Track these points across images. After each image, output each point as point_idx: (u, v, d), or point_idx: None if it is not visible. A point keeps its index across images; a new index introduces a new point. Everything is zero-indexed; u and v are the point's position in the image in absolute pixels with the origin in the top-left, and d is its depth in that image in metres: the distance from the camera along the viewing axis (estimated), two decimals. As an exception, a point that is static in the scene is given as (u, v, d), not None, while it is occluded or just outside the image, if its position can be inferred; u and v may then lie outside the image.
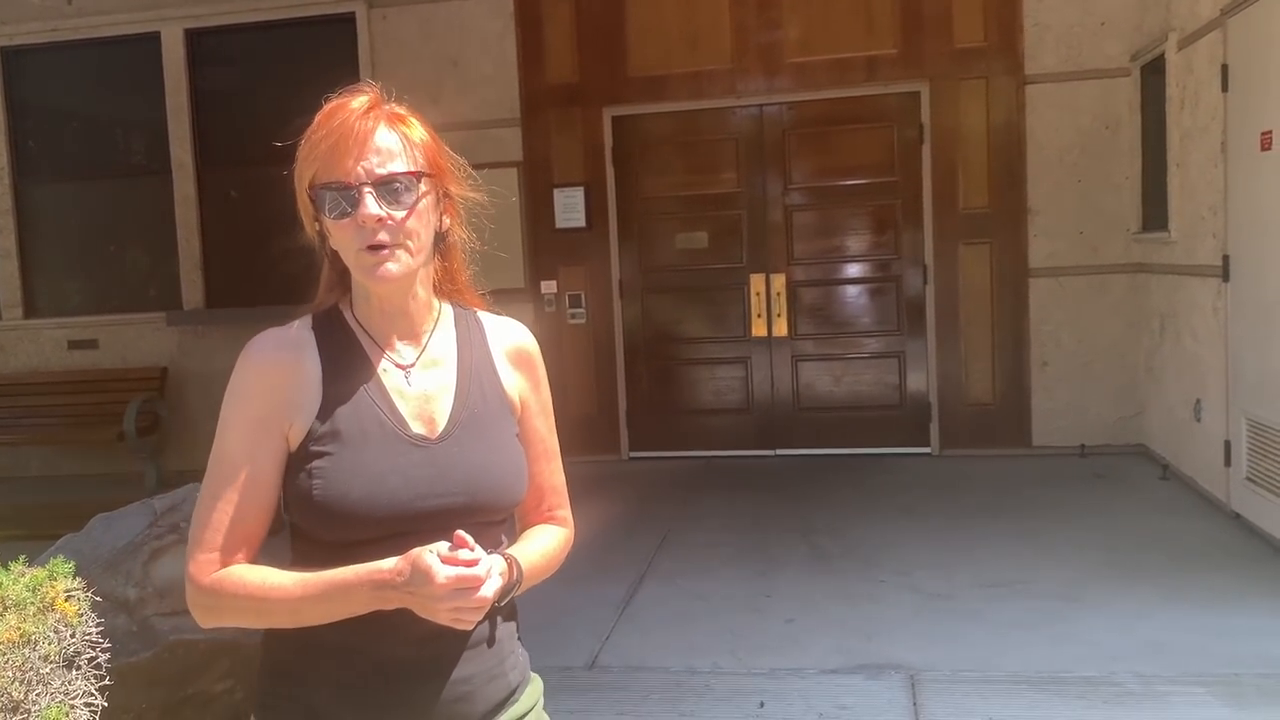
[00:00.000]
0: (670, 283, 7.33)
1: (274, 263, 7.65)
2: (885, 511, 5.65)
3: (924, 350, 6.95)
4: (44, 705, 2.34)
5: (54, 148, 7.89)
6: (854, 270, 7.15)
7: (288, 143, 1.41)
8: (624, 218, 7.27)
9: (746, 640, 3.97)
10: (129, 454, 7.13)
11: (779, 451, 7.20)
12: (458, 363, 1.44)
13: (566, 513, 1.58)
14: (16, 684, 2.28)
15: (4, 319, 7.84)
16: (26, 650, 2.32)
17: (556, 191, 7.24)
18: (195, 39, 7.53)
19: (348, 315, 1.43)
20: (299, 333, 1.42)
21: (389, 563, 1.26)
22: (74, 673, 2.45)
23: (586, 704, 3.51)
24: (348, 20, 7.27)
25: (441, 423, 1.40)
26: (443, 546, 1.25)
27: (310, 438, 1.34)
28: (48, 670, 2.38)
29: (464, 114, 7.20)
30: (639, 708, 3.46)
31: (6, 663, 2.27)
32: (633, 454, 7.33)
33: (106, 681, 2.51)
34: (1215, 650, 3.61)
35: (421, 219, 1.35)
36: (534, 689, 1.53)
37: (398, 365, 1.41)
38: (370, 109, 1.34)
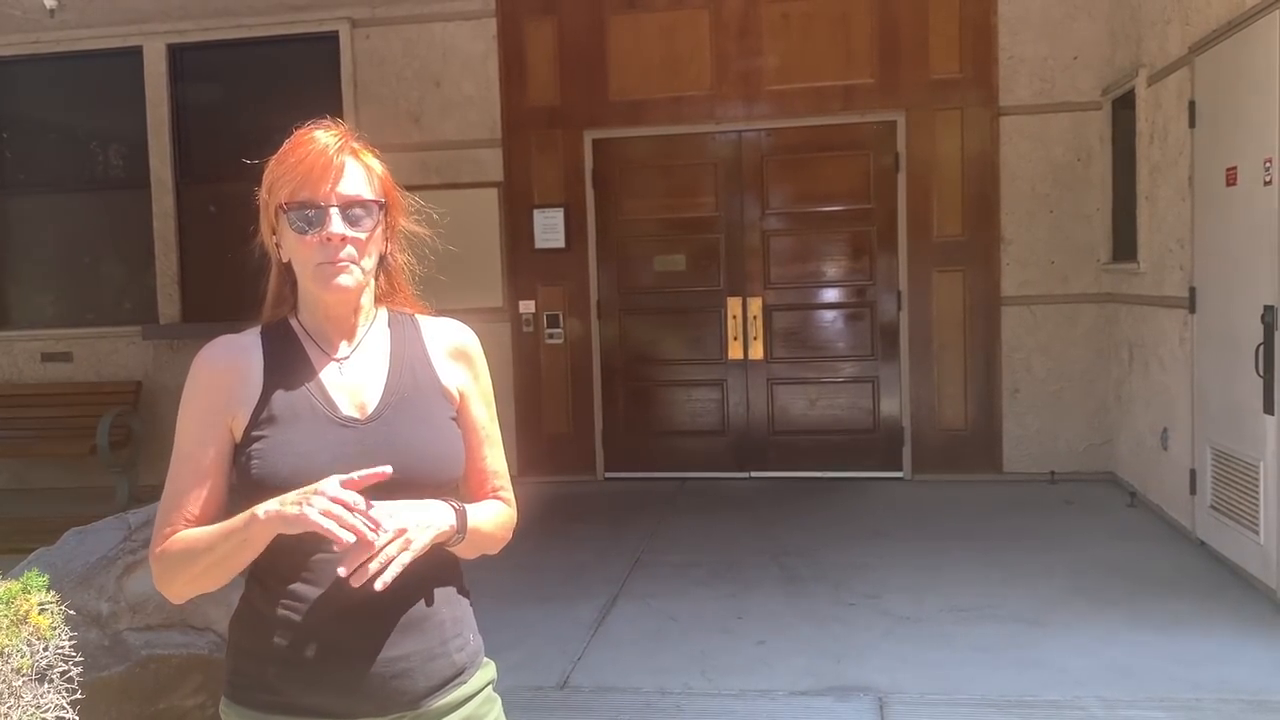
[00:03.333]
0: (648, 304, 7.38)
1: (251, 278, 7.64)
2: (857, 535, 5.70)
3: (897, 375, 7.03)
4: (15, 719, 2.34)
5: (32, 160, 7.88)
6: (829, 295, 7.22)
7: (257, 161, 1.56)
8: (603, 239, 7.33)
9: (717, 661, 3.99)
10: (101, 468, 7.08)
11: (753, 474, 7.25)
12: (390, 355, 1.58)
13: (509, 494, 1.67)
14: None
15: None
16: (-1, 663, 2.32)
17: (536, 212, 7.28)
18: (178, 54, 7.55)
19: (293, 323, 1.58)
20: (247, 338, 1.57)
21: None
22: (46, 686, 2.44)
23: (558, 723, 3.53)
24: (331, 39, 7.31)
25: (371, 406, 1.52)
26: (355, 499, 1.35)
27: (251, 425, 1.48)
28: (19, 683, 2.38)
29: (446, 134, 7.26)
30: (610, 727, 3.48)
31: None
32: (608, 474, 7.35)
33: (78, 696, 2.51)
34: (1178, 675, 3.67)
35: (374, 242, 1.53)
36: (485, 673, 1.61)
37: (333, 359, 1.55)
38: (342, 143, 1.50)
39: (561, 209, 7.26)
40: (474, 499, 1.63)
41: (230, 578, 1.48)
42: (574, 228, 7.27)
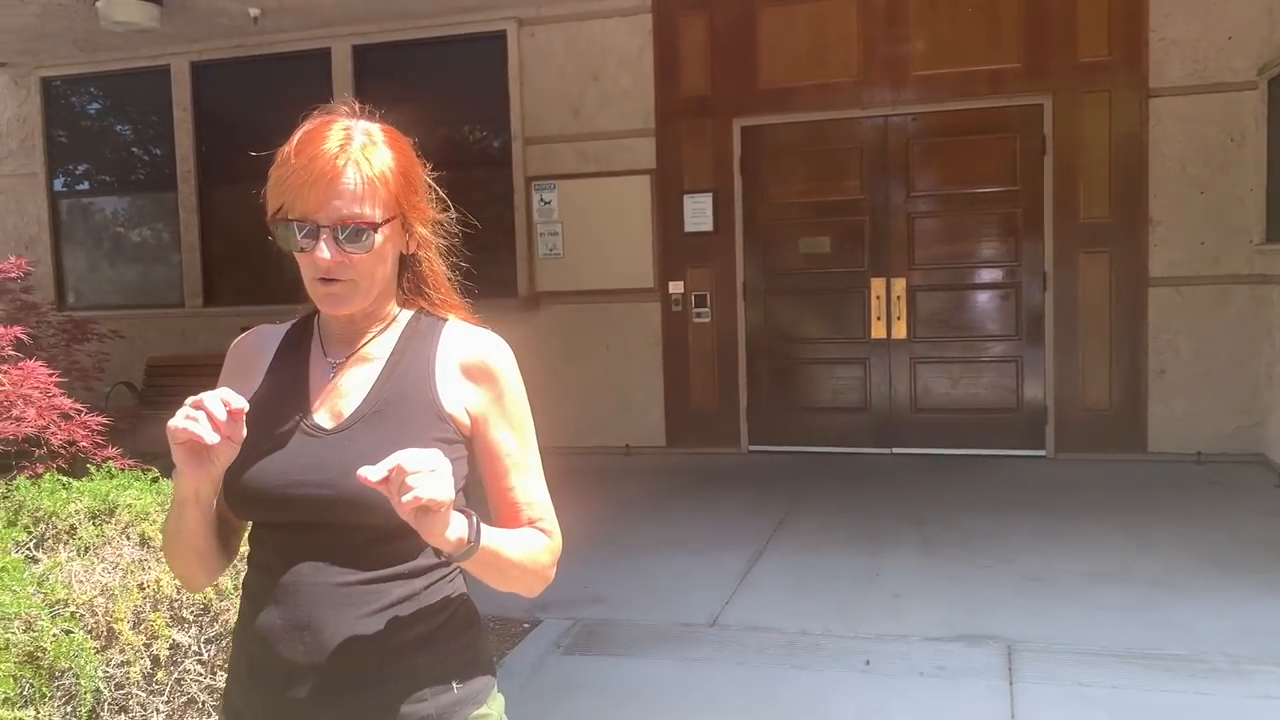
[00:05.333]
0: (792, 285, 7.68)
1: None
2: (995, 506, 5.90)
3: (1041, 355, 7.13)
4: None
5: (233, 153, 8.72)
6: (973, 276, 7.37)
7: (264, 153, 1.48)
8: (749, 223, 7.66)
9: (856, 610, 4.32)
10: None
11: (894, 450, 7.48)
12: (385, 362, 1.44)
13: (551, 525, 1.48)
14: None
15: (186, 306, 8.71)
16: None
17: (686, 197, 7.67)
18: (361, 54, 8.24)
19: (317, 318, 1.50)
20: (273, 330, 1.52)
21: None
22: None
23: (709, 654, 3.92)
24: (499, 37, 7.86)
25: (345, 416, 1.40)
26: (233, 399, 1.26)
27: None
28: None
29: (603, 125, 7.72)
30: (755, 659, 3.85)
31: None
32: (752, 447, 7.70)
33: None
34: (1307, 638, 3.80)
35: (378, 258, 1.39)
36: None
37: (329, 362, 1.45)
38: (343, 148, 1.35)
39: (710, 194, 7.62)
40: (513, 526, 1.46)
41: (199, 555, 1.40)
42: (722, 212, 7.62)
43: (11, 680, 2.02)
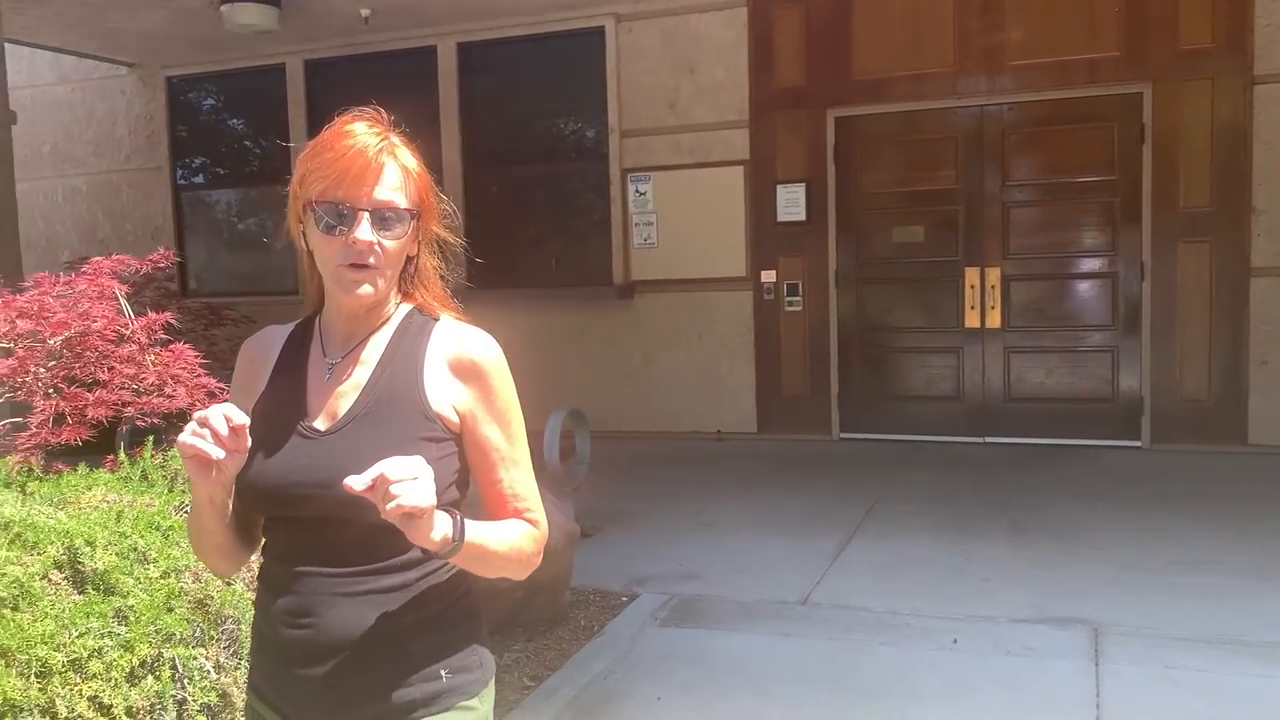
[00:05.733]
0: (885, 274, 7.75)
1: (525, 251, 8.60)
2: (1087, 495, 5.92)
3: (1138, 346, 7.08)
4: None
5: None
6: (1069, 266, 7.35)
7: (293, 145, 1.63)
8: (842, 212, 7.75)
9: (944, 592, 4.43)
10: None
11: (987, 439, 7.50)
12: (377, 364, 1.49)
13: (537, 515, 1.53)
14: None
15: (300, 294, 9.15)
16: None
17: (779, 187, 7.78)
18: (465, 52, 8.54)
19: (318, 319, 1.56)
20: (279, 331, 1.59)
21: None
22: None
23: (799, 630, 4.08)
24: (598, 33, 8.07)
25: (339, 416, 1.46)
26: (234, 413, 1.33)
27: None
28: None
29: (698, 117, 7.88)
30: (845, 635, 4.00)
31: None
32: (843, 434, 7.81)
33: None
34: (1404, 629, 3.79)
35: (402, 248, 1.47)
36: (458, 716, 1.47)
37: (326, 362, 1.50)
38: (383, 143, 1.45)
39: (803, 184, 7.73)
40: (501, 518, 1.51)
41: (220, 549, 1.50)
42: (815, 202, 7.72)
43: (185, 623, 2.30)
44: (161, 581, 2.34)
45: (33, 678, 2.00)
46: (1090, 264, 7.29)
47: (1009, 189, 7.40)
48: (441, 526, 1.31)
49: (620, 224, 8.14)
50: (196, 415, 1.32)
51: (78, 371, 3.54)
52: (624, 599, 4.50)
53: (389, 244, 1.44)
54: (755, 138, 7.80)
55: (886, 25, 7.46)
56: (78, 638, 2.09)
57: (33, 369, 3.44)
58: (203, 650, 2.32)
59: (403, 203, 1.44)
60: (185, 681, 2.24)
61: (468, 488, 1.52)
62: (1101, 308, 7.25)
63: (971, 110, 7.43)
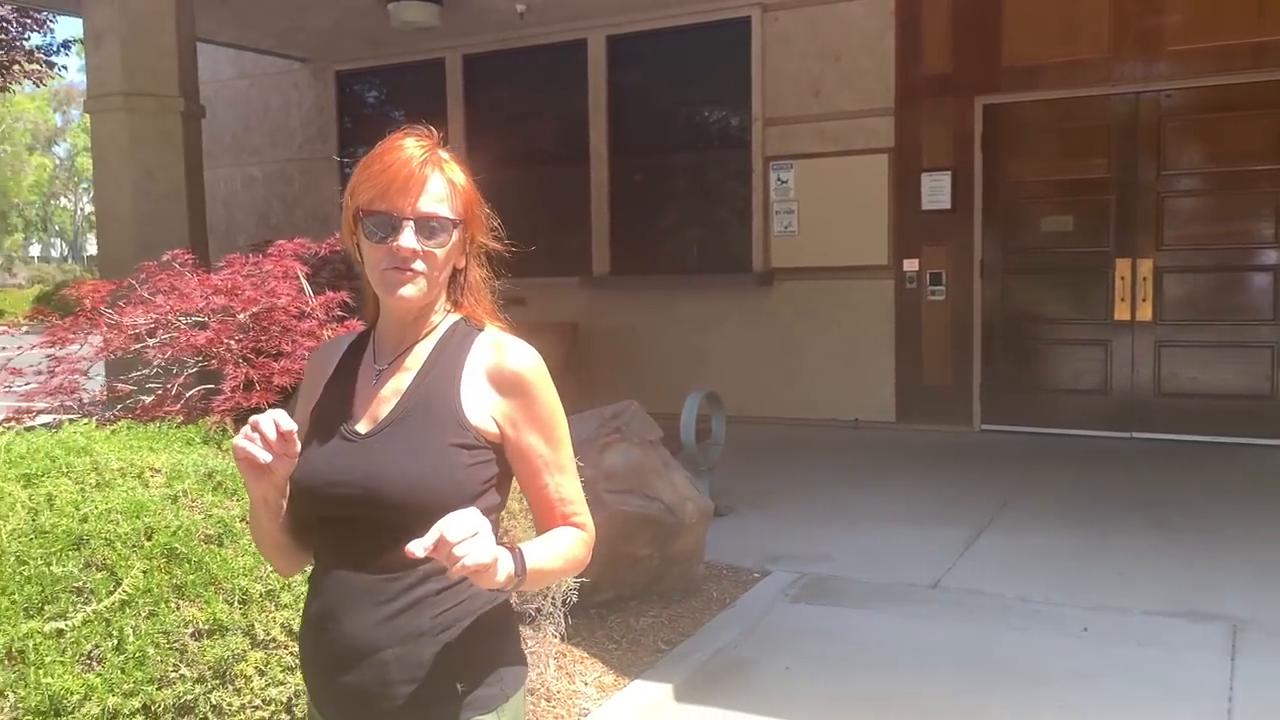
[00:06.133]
0: (1032, 264, 7.64)
1: (667, 238, 8.82)
2: (1238, 495, 5.74)
3: (1302, 342, 6.80)
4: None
5: (498, 139, 9.51)
6: (1228, 258, 7.09)
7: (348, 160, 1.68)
8: (989, 201, 7.66)
9: (1077, 583, 4.42)
10: (544, 393, 8.55)
11: (1134, 434, 7.32)
12: (418, 371, 1.53)
13: (584, 518, 1.57)
14: (522, 517, 3.28)
15: (454, 278, 9.62)
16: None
17: (924, 175, 7.75)
18: (614, 43, 8.79)
19: (375, 328, 1.62)
20: (340, 342, 1.67)
21: None
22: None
23: (929, 612, 4.17)
24: (744, 23, 8.20)
25: (379, 421, 1.52)
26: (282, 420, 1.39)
27: (302, 427, 1.54)
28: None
29: (842, 105, 7.92)
30: (974, 619, 4.06)
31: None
32: (984, 426, 7.74)
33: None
34: None
35: (447, 256, 1.51)
36: None
37: (376, 369, 1.56)
38: (427, 155, 1.49)
39: (949, 172, 7.68)
40: (544, 526, 1.57)
41: (278, 548, 1.57)
42: (960, 190, 7.66)
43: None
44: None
45: (236, 604, 2.31)
46: (1250, 256, 7.02)
47: (1165, 178, 7.19)
48: (505, 566, 1.34)
49: (761, 212, 8.26)
50: (251, 420, 1.38)
51: (264, 343, 3.93)
52: (756, 575, 4.66)
53: (433, 252, 1.48)
54: (900, 125, 7.79)
55: (1039, 11, 7.33)
56: (271, 572, 2.39)
57: (225, 341, 3.83)
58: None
59: (447, 213, 1.49)
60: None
61: (507, 493, 1.57)
62: (1261, 302, 6.98)
63: (1126, 97, 7.24)
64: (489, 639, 1.50)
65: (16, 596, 2.13)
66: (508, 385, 1.51)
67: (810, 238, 8.12)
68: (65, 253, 49.58)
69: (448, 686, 1.45)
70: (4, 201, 38.44)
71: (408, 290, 1.48)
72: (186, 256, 4.53)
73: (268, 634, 2.31)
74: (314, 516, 1.52)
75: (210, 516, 2.49)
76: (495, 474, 1.51)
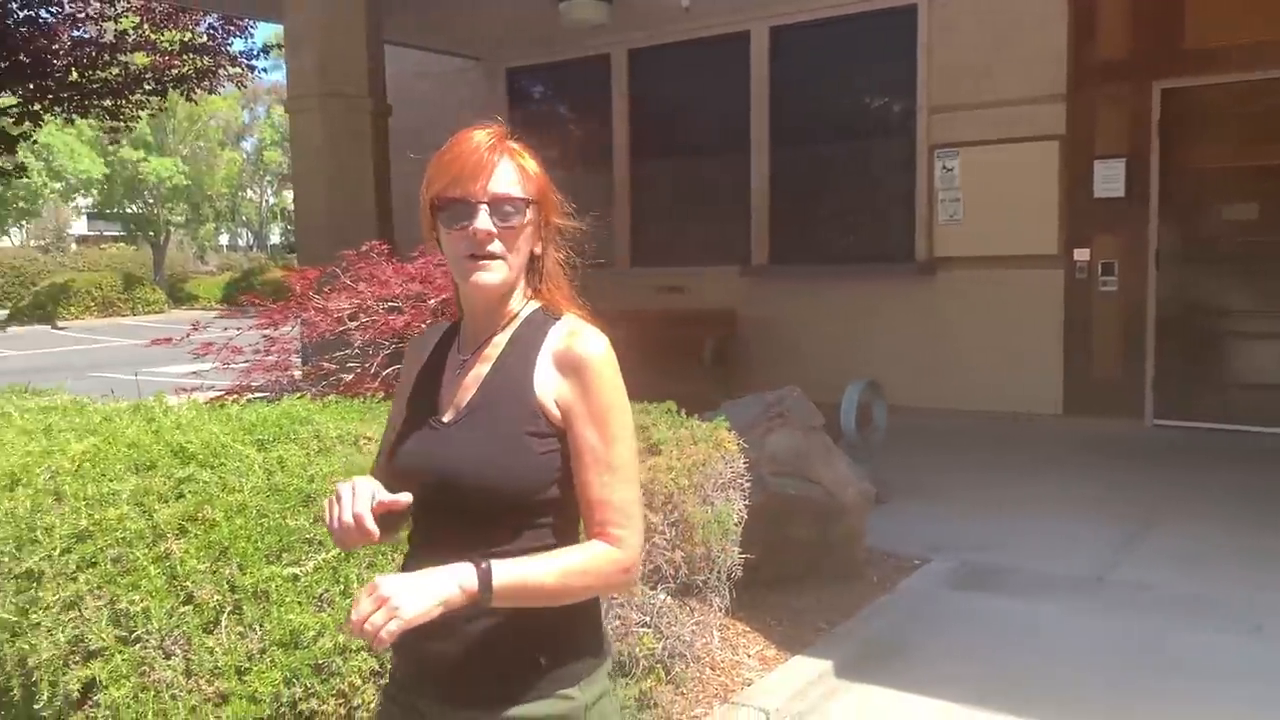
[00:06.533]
0: (1212, 254, 7.33)
1: (827, 227, 8.85)
2: None
3: None
4: (713, 512, 3.50)
5: (660, 131, 9.73)
6: None
7: (421, 157, 1.63)
8: (1165, 189, 7.40)
9: (1252, 581, 4.31)
10: (702, 380, 8.72)
11: (1322, 433, 6.97)
12: (496, 358, 1.57)
13: (622, 531, 1.50)
14: (693, 494, 3.46)
15: (616, 267, 9.88)
16: (703, 470, 3.51)
17: (1097, 163, 7.54)
18: (776, 34, 8.87)
19: (462, 321, 1.67)
20: (438, 329, 1.73)
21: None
22: (732, 492, 3.62)
23: (1095, 605, 4.15)
24: (909, 11, 8.14)
25: (460, 409, 1.57)
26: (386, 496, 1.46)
27: (396, 414, 1.68)
28: (711, 488, 3.55)
29: (1010, 92, 7.78)
30: (1140, 613, 4.03)
31: (692, 474, 3.47)
32: (1156, 421, 7.49)
33: (744, 505, 3.67)
34: None
35: (523, 239, 1.54)
36: (536, 708, 1.51)
37: (460, 359, 1.61)
38: (496, 143, 1.53)
39: (1123, 159, 7.44)
40: (586, 529, 1.54)
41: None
42: (1135, 177, 7.42)
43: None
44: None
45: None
46: None
47: (1362, 163, 6.79)
48: (457, 580, 1.37)
49: (925, 200, 8.20)
50: (340, 488, 1.45)
51: (453, 327, 4.24)
52: (916, 562, 4.72)
53: (509, 230, 1.51)
54: (1072, 112, 7.59)
55: (1224, -10, 7.03)
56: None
57: (420, 325, 4.15)
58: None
59: (519, 193, 1.52)
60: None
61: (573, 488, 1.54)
62: None
63: (1320, 78, 6.87)
64: (571, 617, 1.51)
65: (259, 544, 2.45)
66: (570, 369, 1.52)
67: (976, 226, 8.01)
68: (251, 242, 52.88)
69: (530, 659, 1.50)
70: (198, 194, 41.29)
71: (487, 277, 1.51)
72: (382, 246, 4.91)
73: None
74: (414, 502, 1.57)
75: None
76: (562, 465, 1.52)
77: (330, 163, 6.99)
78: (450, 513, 1.50)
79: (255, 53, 10.07)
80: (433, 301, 4.41)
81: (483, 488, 1.47)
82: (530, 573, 1.43)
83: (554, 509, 1.52)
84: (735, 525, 3.53)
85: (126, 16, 9.07)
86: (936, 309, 8.20)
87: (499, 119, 1.58)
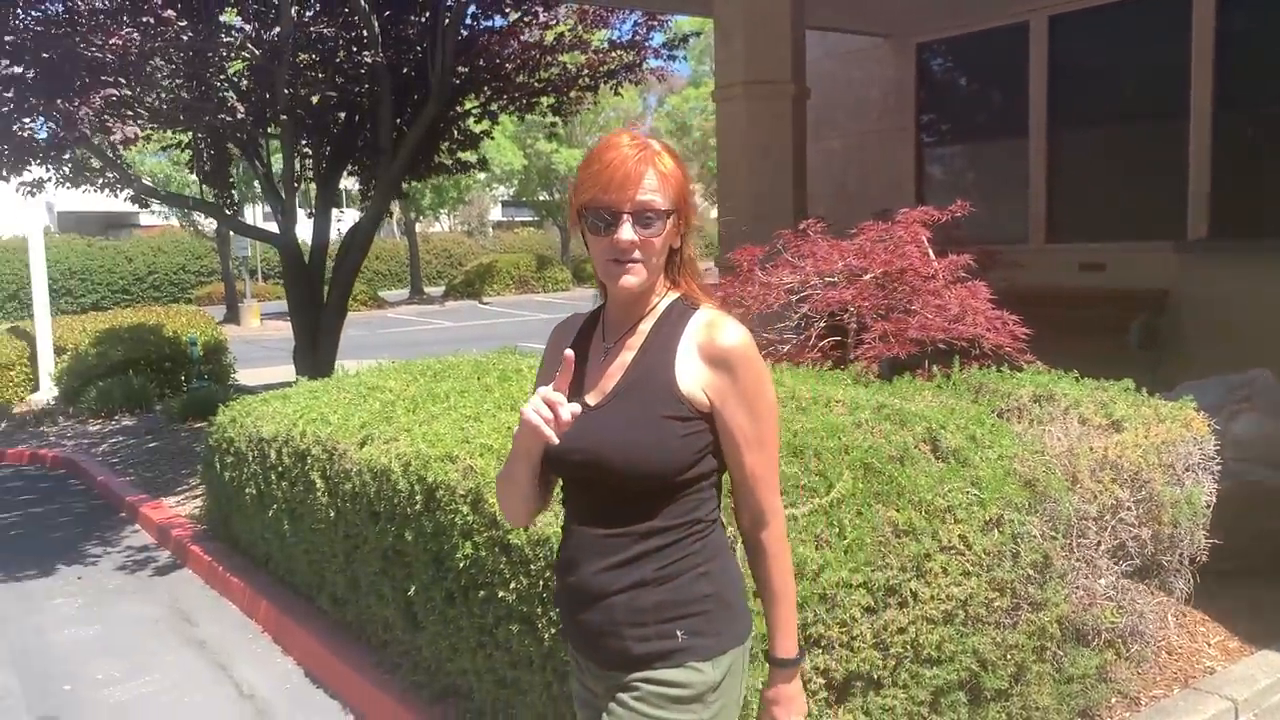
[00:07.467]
0: None
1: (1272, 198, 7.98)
2: None
3: None
4: (1183, 490, 3.38)
5: (1083, 100, 9.22)
6: None
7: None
8: None
9: None
10: (1127, 364, 8.19)
11: None
12: (639, 348, 1.69)
13: (774, 501, 1.73)
14: (1161, 473, 3.37)
15: (1030, 243, 9.53)
16: (1173, 449, 3.41)
17: None
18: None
19: (604, 309, 1.79)
20: (577, 320, 1.85)
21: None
22: (1201, 474, 3.48)
23: None
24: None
25: (605, 394, 1.70)
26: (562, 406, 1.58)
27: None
28: (1181, 468, 3.44)
29: None
30: None
31: (1161, 453, 3.38)
32: None
33: (1215, 487, 3.50)
34: None
35: (663, 243, 1.66)
36: (678, 674, 1.66)
37: (605, 347, 1.74)
38: (641, 153, 1.63)
39: None
40: (737, 500, 1.73)
41: (524, 498, 1.74)
42: None
43: (1021, 494, 2.91)
44: (999, 462, 2.98)
45: (922, 513, 2.74)
46: None
47: None
48: (797, 684, 1.78)
49: None
50: (542, 393, 1.57)
51: (895, 301, 4.40)
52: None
53: (650, 240, 1.63)
54: None
55: None
56: (948, 491, 2.80)
57: (864, 299, 4.35)
58: (1032, 519, 2.91)
59: (661, 204, 1.63)
60: (1020, 540, 2.85)
61: (722, 461, 1.70)
62: None
63: None
64: (709, 594, 1.67)
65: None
66: (717, 361, 1.64)
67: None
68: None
69: (668, 631, 1.64)
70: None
71: (628, 280, 1.64)
72: (818, 225, 5.16)
73: (949, 541, 2.73)
74: (566, 480, 1.75)
75: (890, 440, 2.96)
76: (709, 443, 1.67)
77: (752, 147, 7.36)
78: (599, 489, 1.66)
79: (675, 43, 10.74)
80: (866, 276, 4.58)
81: (629, 467, 1.61)
82: (784, 617, 1.74)
83: (695, 486, 1.65)
84: (1205, 508, 3.41)
85: (566, 22, 10.03)
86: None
87: (635, 131, 1.69)
